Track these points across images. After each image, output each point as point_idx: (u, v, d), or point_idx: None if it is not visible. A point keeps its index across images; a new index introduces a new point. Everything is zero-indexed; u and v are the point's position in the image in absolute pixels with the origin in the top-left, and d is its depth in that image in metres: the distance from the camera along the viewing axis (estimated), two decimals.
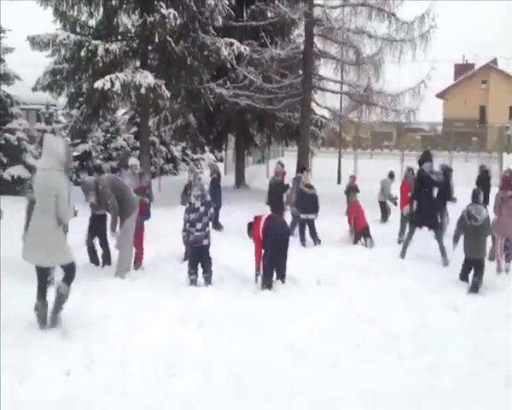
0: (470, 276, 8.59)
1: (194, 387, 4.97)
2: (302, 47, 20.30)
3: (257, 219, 8.60)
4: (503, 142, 35.13)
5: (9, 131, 19.32)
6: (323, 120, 23.14)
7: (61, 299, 6.17)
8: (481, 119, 54.66)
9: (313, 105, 22.03)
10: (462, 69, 58.77)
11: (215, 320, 6.62)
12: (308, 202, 11.92)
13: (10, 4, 19.41)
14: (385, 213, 15.06)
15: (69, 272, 6.24)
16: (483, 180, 14.38)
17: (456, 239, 8.97)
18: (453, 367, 5.39)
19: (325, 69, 21.69)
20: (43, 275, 6.23)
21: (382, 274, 9.08)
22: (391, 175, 15.60)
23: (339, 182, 27.21)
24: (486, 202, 12.24)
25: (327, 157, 30.53)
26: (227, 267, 9.02)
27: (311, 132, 21.96)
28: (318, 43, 20.79)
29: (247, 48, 18.30)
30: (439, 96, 57.37)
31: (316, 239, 11.83)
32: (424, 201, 10.28)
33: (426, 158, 10.89)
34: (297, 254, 9.97)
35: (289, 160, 22.79)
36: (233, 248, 9.94)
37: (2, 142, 19.08)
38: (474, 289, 8.28)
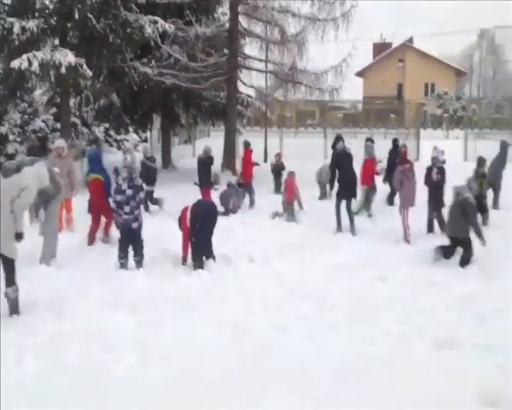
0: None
1: (130, 372, 4.94)
2: (227, 25, 20.18)
3: (184, 209, 8.57)
4: (419, 118, 36.60)
5: None
6: (249, 99, 23.17)
7: None
8: (399, 96, 56.67)
9: (239, 84, 22.04)
10: (380, 48, 60.52)
11: (148, 304, 6.57)
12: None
13: None
14: (324, 193, 15.29)
15: None
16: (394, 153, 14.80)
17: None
18: (385, 335, 5.65)
19: (250, 48, 21.74)
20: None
21: (315, 250, 9.31)
22: None
23: (265, 161, 27.45)
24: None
25: (253, 136, 30.62)
26: (158, 249, 8.93)
27: (237, 111, 21.97)
28: (243, 21, 20.73)
29: (172, 26, 17.97)
30: (359, 74, 58.89)
31: None
32: (345, 176, 11.01)
33: (337, 141, 13.03)
34: (228, 232, 10.05)
35: (216, 139, 22.75)
36: (164, 230, 9.84)
37: None
38: (464, 262, 8.35)
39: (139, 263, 8.30)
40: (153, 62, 18.71)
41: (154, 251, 8.76)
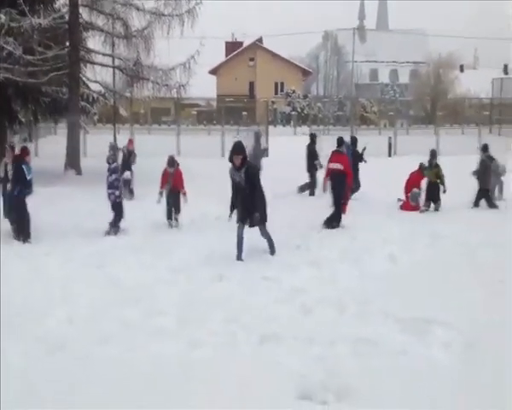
0: None
1: None
2: (67, 17, 19.14)
3: None
4: (268, 115, 37.88)
5: None
6: (95, 95, 22.22)
7: None
8: (251, 94, 58.16)
9: (84, 80, 21.05)
10: (232, 47, 61.62)
11: None
12: None
13: None
14: None
15: None
16: None
17: None
18: (211, 336, 5.61)
19: (94, 41, 20.85)
20: None
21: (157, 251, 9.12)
22: None
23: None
24: None
25: (103, 134, 29.53)
26: None
27: (82, 108, 20.95)
28: (85, 13, 19.82)
29: (4, 16, 16.62)
30: (212, 72, 59.54)
31: None
32: None
33: None
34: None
35: (62, 137, 21.52)
36: None
37: None
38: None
39: None
40: None
41: None
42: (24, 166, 9.89)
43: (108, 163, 10.80)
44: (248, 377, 4.74)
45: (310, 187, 16.03)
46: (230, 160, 8.55)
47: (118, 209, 10.72)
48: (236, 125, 38.10)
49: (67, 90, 19.64)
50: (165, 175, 11.40)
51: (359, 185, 14.88)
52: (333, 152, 11.85)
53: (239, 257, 8.60)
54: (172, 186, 11.28)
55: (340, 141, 12.38)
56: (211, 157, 23.43)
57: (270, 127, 32.26)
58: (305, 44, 73.79)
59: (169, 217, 11.24)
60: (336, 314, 6.34)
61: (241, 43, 61.55)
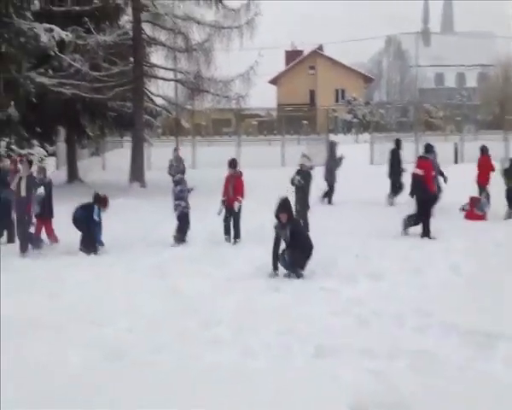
0: None
1: None
2: (131, 33, 19.80)
3: None
4: (329, 124, 37.61)
5: None
6: (158, 109, 22.85)
7: None
8: (311, 102, 57.96)
9: (148, 94, 21.67)
10: (291, 55, 61.66)
11: None
12: None
13: None
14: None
15: None
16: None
17: None
18: (266, 347, 5.59)
19: (157, 56, 21.47)
20: None
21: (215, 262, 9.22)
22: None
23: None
24: None
25: (167, 146, 30.25)
26: None
27: (146, 122, 21.58)
28: (147, 29, 20.44)
29: (70, 34, 17.37)
30: (272, 82, 59.77)
31: None
32: None
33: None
34: None
35: (128, 151, 22.20)
36: None
37: None
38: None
39: None
40: (51, 72, 18.01)
41: None
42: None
43: (171, 175, 10.94)
44: (302, 389, 4.68)
45: (394, 192, 15.66)
46: (276, 216, 8.56)
47: (184, 220, 10.85)
48: (297, 134, 38.07)
49: (132, 105, 20.27)
50: (227, 182, 11.14)
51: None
52: (418, 158, 12.12)
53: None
54: (231, 199, 10.96)
55: (428, 147, 12.41)
56: (271, 167, 23.52)
57: (331, 135, 31.96)
58: (367, 50, 72.96)
59: (227, 232, 11.03)
60: (395, 327, 6.17)
61: (300, 52, 61.51)
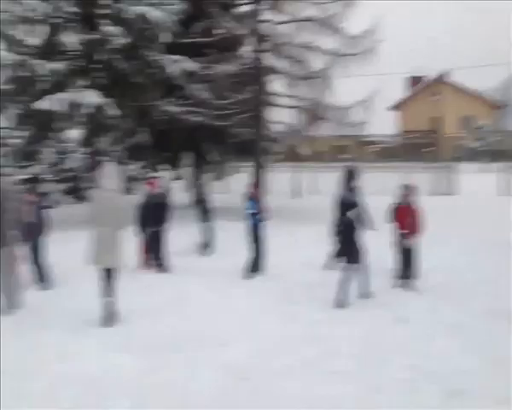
0: None
1: None
2: (252, 62, 20.33)
3: None
4: (455, 151, 35.92)
5: None
6: (277, 136, 23.14)
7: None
8: (434, 129, 55.87)
9: (267, 120, 22.05)
10: (414, 81, 60.05)
11: None
12: None
13: None
14: None
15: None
16: None
17: None
18: (392, 382, 5.28)
19: (276, 84, 21.79)
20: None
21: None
22: None
23: (295, 196, 27.27)
24: None
25: (286, 172, 30.62)
26: None
27: (265, 148, 21.93)
28: (268, 58, 20.86)
29: (195, 64, 18.18)
30: (392, 108, 58.49)
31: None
32: None
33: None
34: None
35: (247, 176, 22.68)
36: None
37: None
38: None
39: None
40: (178, 101, 18.93)
41: None
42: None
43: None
44: None
45: None
46: None
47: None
48: (417, 161, 36.73)
49: (252, 132, 20.70)
50: (401, 211, 9.25)
51: None
52: None
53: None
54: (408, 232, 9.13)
55: None
56: (388, 195, 22.78)
57: (454, 164, 30.50)
58: (497, 75, 69.08)
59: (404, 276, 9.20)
60: None
61: (421, 78, 59.77)
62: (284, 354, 6.15)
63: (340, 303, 7.99)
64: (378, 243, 9.03)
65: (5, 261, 7.87)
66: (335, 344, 6.43)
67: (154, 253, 10.53)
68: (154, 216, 10.65)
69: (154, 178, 12.57)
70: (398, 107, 59.55)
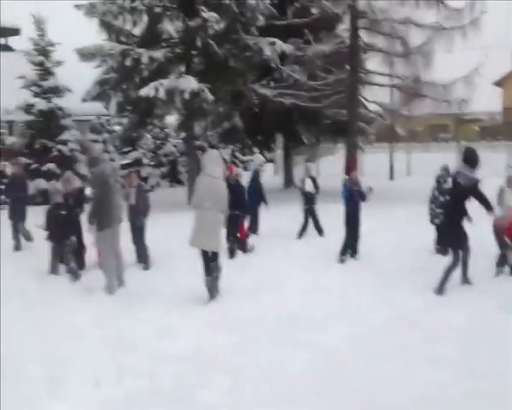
0: None
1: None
2: (347, 41, 19.90)
3: None
4: None
5: (62, 143, 19.89)
6: (372, 115, 22.58)
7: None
8: None
9: (362, 100, 21.55)
10: None
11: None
12: None
13: (59, 18, 19.97)
14: None
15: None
16: None
17: None
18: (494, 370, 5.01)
19: (372, 62, 21.21)
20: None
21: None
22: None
23: (391, 178, 26.54)
24: None
25: (379, 153, 29.88)
26: None
27: (359, 128, 21.49)
28: (364, 36, 20.31)
29: (290, 46, 18.11)
30: (497, 84, 54.97)
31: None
32: None
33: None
34: None
35: (341, 157, 22.37)
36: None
37: (56, 153, 19.65)
38: None
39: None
40: (272, 83, 18.99)
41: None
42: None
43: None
44: None
45: None
46: None
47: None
48: None
49: (346, 112, 20.33)
50: None
51: None
52: None
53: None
54: None
55: None
56: (493, 176, 21.55)
57: None
58: None
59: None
60: None
61: None
62: (382, 338, 6.01)
63: (442, 290, 7.68)
64: (480, 226, 8.52)
65: (110, 242, 8.28)
66: (436, 330, 6.19)
67: (232, 235, 10.57)
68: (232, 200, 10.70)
69: (233, 163, 12.68)
70: (501, 82, 55.91)
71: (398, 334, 6.10)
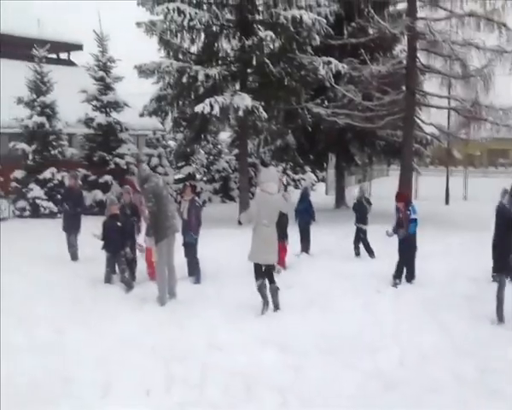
0: None
1: None
2: (404, 62, 19.66)
3: None
4: None
5: (119, 156, 20.42)
6: (429, 138, 22.16)
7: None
8: None
9: (418, 122, 21.19)
10: None
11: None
12: None
13: (119, 35, 20.62)
14: None
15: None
16: None
17: None
18: None
19: (429, 84, 20.87)
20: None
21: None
22: None
23: (447, 202, 25.90)
24: None
25: (434, 176, 29.25)
26: None
27: (415, 150, 21.11)
28: (422, 57, 20.03)
29: (346, 66, 18.04)
30: None
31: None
32: None
33: None
34: None
35: (395, 179, 22.01)
36: None
37: (113, 166, 20.18)
38: None
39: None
40: (326, 103, 18.94)
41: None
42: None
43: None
44: None
45: None
46: None
47: None
48: None
49: (402, 133, 20.02)
50: None
51: None
52: None
53: None
54: None
55: None
56: None
57: None
58: None
59: None
60: None
61: None
62: (434, 366, 5.82)
63: (502, 317, 7.42)
64: None
65: (166, 254, 8.41)
66: (491, 362, 5.94)
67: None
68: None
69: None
70: None
71: (451, 363, 5.89)
